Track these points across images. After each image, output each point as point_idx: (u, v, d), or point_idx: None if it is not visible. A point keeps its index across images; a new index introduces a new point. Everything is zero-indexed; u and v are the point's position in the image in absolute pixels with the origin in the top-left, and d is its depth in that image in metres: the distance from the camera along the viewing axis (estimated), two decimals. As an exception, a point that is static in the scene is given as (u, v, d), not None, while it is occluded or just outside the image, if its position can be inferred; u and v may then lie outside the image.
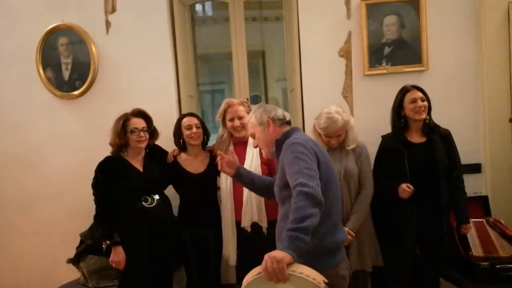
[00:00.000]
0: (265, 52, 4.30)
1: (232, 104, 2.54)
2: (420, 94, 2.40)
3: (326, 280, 1.45)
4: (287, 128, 1.90)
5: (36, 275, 3.18)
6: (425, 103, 2.40)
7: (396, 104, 2.48)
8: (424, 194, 2.36)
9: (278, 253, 1.43)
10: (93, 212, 2.54)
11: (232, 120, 2.53)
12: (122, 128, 2.41)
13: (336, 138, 2.38)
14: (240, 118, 2.51)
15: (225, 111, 2.56)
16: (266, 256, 1.45)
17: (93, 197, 2.44)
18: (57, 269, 3.06)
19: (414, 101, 2.39)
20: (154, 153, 2.64)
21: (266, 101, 4.05)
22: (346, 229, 2.23)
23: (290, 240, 1.46)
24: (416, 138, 2.46)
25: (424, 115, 2.40)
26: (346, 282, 1.77)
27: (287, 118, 1.92)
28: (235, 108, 2.53)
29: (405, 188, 2.31)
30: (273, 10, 3.85)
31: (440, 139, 2.42)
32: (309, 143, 1.72)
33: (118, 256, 2.35)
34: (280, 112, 1.91)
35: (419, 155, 2.39)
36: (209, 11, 4.02)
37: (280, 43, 3.63)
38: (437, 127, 2.46)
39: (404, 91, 2.45)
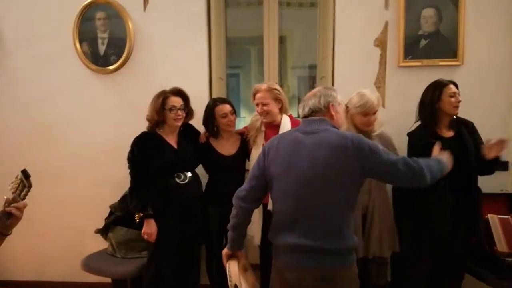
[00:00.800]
0: (284, 38, 4.23)
1: (260, 90, 2.57)
2: (457, 90, 2.43)
3: None
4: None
5: (63, 244, 3.27)
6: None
7: (434, 97, 2.44)
8: (458, 187, 2.35)
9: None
10: (123, 185, 2.61)
11: (257, 105, 2.56)
12: (161, 105, 2.44)
13: (373, 115, 2.36)
14: (264, 104, 2.53)
15: (253, 96, 2.59)
16: None
17: (127, 170, 2.49)
18: (84, 239, 3.16)
19: (453, 95, 2.40)
20: (187, 131, 2.68)
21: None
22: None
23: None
24: (445, 132, 2.47)
25: (458, 111, 2.42)
26: (283, 284, 1.75)
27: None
28: (260, 95, 2.55)
29: (436, 147, 2.18)
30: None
31: (467, 132, 2.45)
32: (269, 144, 1.84)
33: (150, 228, 2.42)
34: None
35: (451, 149, 2.39)
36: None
37: (302, 29, 3.58)
38: (461, 120, 2.49)
39: (442, 85, 2.44)
